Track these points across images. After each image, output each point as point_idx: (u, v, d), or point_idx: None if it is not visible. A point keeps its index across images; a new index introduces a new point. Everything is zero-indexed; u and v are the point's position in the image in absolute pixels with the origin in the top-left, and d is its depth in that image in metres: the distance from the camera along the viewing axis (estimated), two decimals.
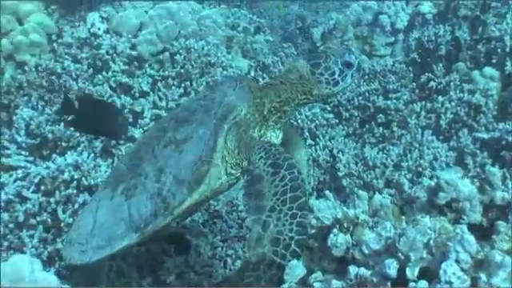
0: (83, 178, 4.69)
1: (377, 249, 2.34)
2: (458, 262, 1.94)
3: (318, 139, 5.78)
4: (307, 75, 3.41)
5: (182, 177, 3.21)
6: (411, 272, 2.09)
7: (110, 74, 6.09)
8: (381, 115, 6.15)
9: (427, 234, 2.11)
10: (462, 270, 1.93)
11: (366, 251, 2.36)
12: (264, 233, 2.82)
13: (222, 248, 4.23)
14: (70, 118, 4.02)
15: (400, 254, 2.13)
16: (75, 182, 4.68)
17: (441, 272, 1.94)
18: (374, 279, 2.17)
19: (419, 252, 2.09)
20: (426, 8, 7.24)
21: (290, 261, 2.69)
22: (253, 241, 2.82)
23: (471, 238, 1.96)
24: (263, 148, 3.19)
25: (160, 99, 5.89)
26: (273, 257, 2.78)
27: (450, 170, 2.34)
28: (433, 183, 2.58)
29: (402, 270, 2.14)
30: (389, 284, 2.16)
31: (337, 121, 6.29)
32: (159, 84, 6.07)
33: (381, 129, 6.05)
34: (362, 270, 2.22)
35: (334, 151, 5.59)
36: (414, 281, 2.09)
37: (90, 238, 3.30)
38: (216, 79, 5.94)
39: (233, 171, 3.36)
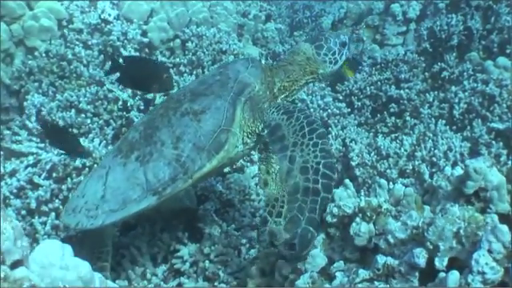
0: (95, 165, 4.66)
1: (402, 238, 2.31)
2: (490, 251, 1.91)
3: (330, 128, 5.73)
4: (313, 57, 3.74)
5: (201, 144, 3.41)
6: (440, 262, 2.06)
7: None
8: (393, 105, 6.11)
9: (456, 223, 2.08)
10: (495, 260, 1.90)
11: (392, 240, 2.33)
12: (292, 166, 3.07)
13: (237, 237, 4.20)
14: (117, 76, 4.13)
15: (428, 244, 2.10)
16: (87, 168, 4.65)
17: (473, 262, 1.91)
18: (402, 269, 2.14)
19: (449, 241, 2.06)
20: None
21: (323, 185, 2.93)
22: (283, 175, 3.07)
23: (504, 228, 1.92)
24: (273, 106, 3.53)
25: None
26: (306, 184, 2.97)
27: (479, 158, 2.28)
28: (456, 172, 2.55)
29: (429, 260, 2.12)
30: (417, 274, 2.14)
31: (349, 110, 6.25)
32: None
33: (393, 118, 6.00)
34: (390, 260, 2.18)
35: (347, 140, 5.55)
36: (443, 271, 2.06)
37: (102, 203, 3.45)
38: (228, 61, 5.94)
39: (248, 140, 3.57)
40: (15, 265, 1.49)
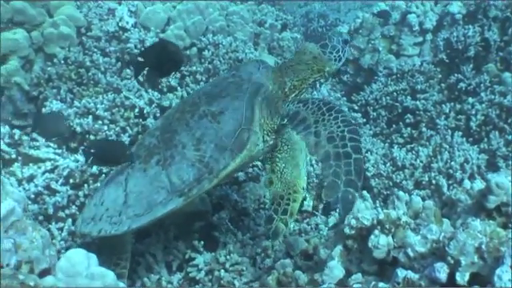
0: (111, 172, 4.68)
1: (422, 251, 2.30)
2: None
3: None
4: (319, 55, 3.92)
5: (223, 144, 3.51)
6: (462, 277, 2.05)
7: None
8: (409, 115, 6.10)
9: (478, 238, 2.07)
10: None
11: (411, 254, 2.32)
12: (318, 138, 3.33)
13: (252, 246, 4.20)
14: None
15: (449, 258, 2.08)
16: (103, 175, 4.68)
17: (495, 278, 1.89)
18: (423, 283, 2.13)
19: (470, 256, 2.04)
20: (456, 8, 7.12)
21: (352, 147, 3.21)
22: (312, 148, 3.35)
23: None
24: (287, 102, 3.76)
25: (188, 94, 5.87)
26: (335, 150, 3.24)
27: (501, 172, 2.28)
28: (476, 186, 2.54)
29: (450, 275, 2.10)
30: None
31: (364, 120, 6.24)
32: (187, 79, 6.05)
33: (409, 129, 5.99)
34: (410, 274, 2.17)
35: (362, 151, 5.53)
36: (465, 286, 2.05)
37: (125, 208, 3.51)
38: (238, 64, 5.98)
39: (268, 138, 3.69)
40: (43, 273, 1.51)
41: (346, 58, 3.99)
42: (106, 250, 3.76)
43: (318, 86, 6.79)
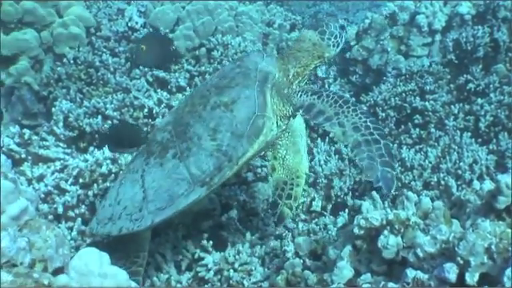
0: (121, 172, 4.71)
1: (432, 252, 2.30)
2: None
3: None
4: (318, 42, 3.96)
5: (239, 132, 3.57)
6: (471, 277, 2.05)
7: (146, 68, 6.12)
8: (418, 116, 6.08)
9: (488, 238, 2.07)
10: None
11: (421, 254, 2.32)
12: (344, 128, 3.43)
13: (261, 246, 4.21)
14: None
15: (459, 259, 2.09)
16: (113, 175, 4.70)
17: (505, 279, 1.90)
18: (432, 283, 2.13)
19: (480, 257, 2.04)
20: (465, 9, 7.09)
21: (379, 135, 3.37)
22: (340, 137, 3.46)
23: None
24: (299, 91, 3.79)
25: None
26: (364, 137, 3.36)
27: (510, 173, 2.28)
28: (485, 186, 2.54)
29: (460, 275, 2.11)
30: None
31: None
32: (196, 79, 6.08)
33: (418, 130, 5.97)
34: (420, 274, 2.18)
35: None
36: (474, 286, 2.05)
37: (145, 204, 3.55)
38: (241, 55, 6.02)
39: (281, 123, 3.79)
40: (57, 272, 1.53)
41: (343, 43, 4.07)
42: (122, 248, 3.76)
43: (326, 86, 6.82)
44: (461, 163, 5.11)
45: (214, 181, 3.53)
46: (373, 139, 3.37)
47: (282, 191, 3.65)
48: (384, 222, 2.60)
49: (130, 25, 6.52)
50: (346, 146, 5.41)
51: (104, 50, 6.20)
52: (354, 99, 3.68)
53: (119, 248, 3.74)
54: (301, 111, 3.71)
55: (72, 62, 5.94)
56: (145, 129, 5.42)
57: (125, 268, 3.36)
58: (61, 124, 5.37)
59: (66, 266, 1.62)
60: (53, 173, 4.85)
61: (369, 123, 3.43)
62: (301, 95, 3.76)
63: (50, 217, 4.50)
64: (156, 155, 3.70)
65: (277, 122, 3.74)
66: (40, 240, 1.50)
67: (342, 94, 3.61)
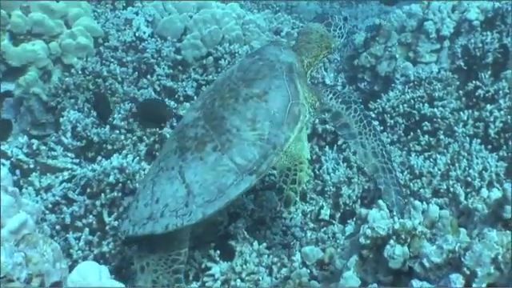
0: (128, 181, 4.71)
1: (438, 262, 2.27)
2: None
3: None
4: (325, 33, 4.29)
5: (278, 120, 3.72)
6: None
7: (154, 77, 6.14)
8: (426, 123, 6.04)
9: (494, 248, 2.04)
10: None
11: (427, 264, 2.30)
12: (365, 149, 3.90)
13: (268, 255, 4.19)
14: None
15: (465, 269, 2.06)
16: (120, 184, 4.70)
17: None
18: None
19: (486, 267, 2.02)
20: (473, 15, 7.05)
21: (392, 166, 3.91)
22: (362, 157, 3.92)
23: None
24: (329, 91, 4.07)
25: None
26: (381, 165, 3.87)
27: None
28: (493, 195, 2.51)
29: (466, 286, 2.08)
30: None
31: (381, 128, 6.20)
32: (203, 88, 6.07)
33: (426, 137, 5.93)
34: (426, 284, 2.15)
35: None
36: None
37: (191, 199, 3.55)
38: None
39: (312, 111, 3.98)
40: (54, 286, 1.51)
41: (346, 33, 4.39)
42: (161, 247, 3.73)
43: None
44: (470, 170, 5.08)
45: (262, 168, 3.63)
46: (387, 168, 3.83)
47: (286, 177, 3.72)
48: (390, 232, 2.57)
49: (137, 35, 6.53)
50: (354, 154, 5.46)
51: (112, 59, 6.21)
52: (375, 121, 3.97)
53: (159, 248, 3.72)
54: (326, 114, 4.04)
55: (80, 72, 5.96)
56: (151, 139, 5.43)
57: (166, 267, 3.61)
58: (69, 134, 5.39)
59: (64, 280, 1.60)
60: (61, 183, 4.87)
61: (384, 153, 3.89)
62: (331, 98, 4.02)
63: (58, 227, 4.51)
64: (193, 150, 3.69)
65: (308, 109, 3.90)
66: (37, 255, 1.48)
67: (368, 113, 3.94)
